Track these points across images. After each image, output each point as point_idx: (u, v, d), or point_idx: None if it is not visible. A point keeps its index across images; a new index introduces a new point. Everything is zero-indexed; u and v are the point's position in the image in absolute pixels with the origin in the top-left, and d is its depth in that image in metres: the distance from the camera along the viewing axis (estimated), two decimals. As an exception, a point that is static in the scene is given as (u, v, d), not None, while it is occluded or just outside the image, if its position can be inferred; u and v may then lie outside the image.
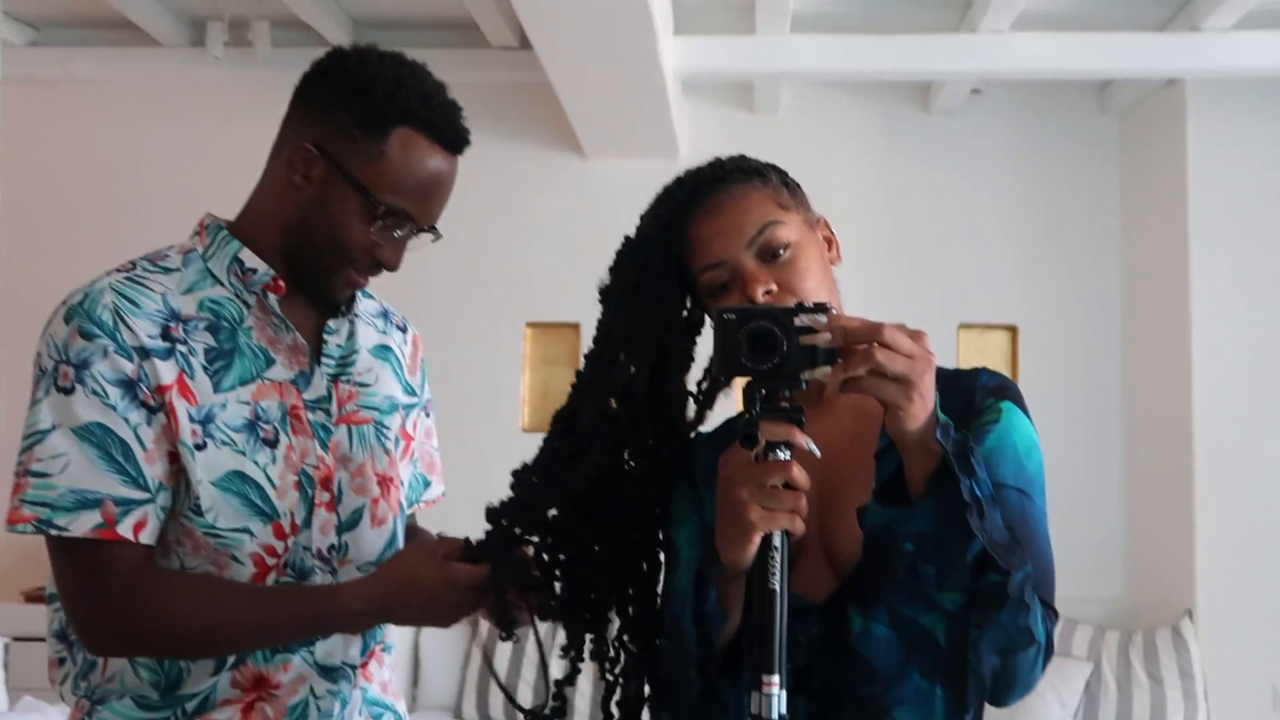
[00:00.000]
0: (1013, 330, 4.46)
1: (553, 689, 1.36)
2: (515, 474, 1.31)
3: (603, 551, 1.31)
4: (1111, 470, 4.41)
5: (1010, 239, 4.48)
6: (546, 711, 1.35)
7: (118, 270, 1.36)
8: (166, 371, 1.31)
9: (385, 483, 1.47)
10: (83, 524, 1.26)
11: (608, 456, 1.28)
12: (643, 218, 1.33)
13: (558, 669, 1.40)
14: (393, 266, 1.41)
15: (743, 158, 1.34)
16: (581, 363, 1.33)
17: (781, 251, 1.25)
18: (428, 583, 1.31)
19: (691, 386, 1.37)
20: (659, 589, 1.34)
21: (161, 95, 4.66)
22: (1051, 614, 1.18)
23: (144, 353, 1.30)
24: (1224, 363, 4.02)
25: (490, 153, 4.39)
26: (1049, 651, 1.18)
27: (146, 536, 1.29)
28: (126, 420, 1.28)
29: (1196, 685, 3.78)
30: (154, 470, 1.30)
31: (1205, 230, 4.07)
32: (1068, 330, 4.44)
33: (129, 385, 1.29)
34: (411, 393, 1.57)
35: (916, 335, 1.07)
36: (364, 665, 1.46)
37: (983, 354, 4.42)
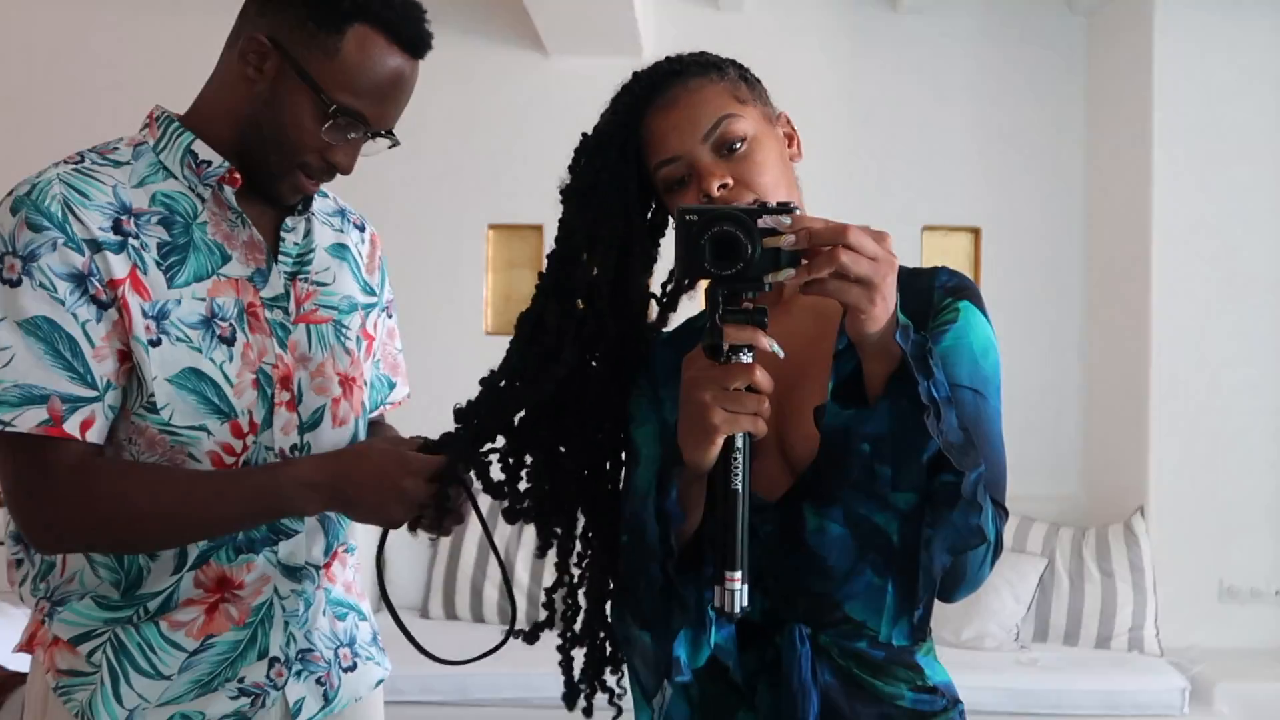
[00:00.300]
0: (976, 232, 4.47)
1: (543, 597, 1.39)
2: (485, 380, 1.31)
3: (567, 452, 1.32)
4: (1069, 371, 4.46)
5: (975, 140, 4.45)
6: (540, 621, 1.38)
7: (65, 162, 1.32)
8: (119, 266, 1.28)
9: (347, 383, 1.46)
10: (28, 420, 1.24)
11: (576, 357, 1.28)
12: (601, 115, 1.31)
13: (526, 574, 1.42)
14: (346, 170, 1.38)
15: (701, 53, 1.32)
16: (544, 264, 1.32)
17: (738, 145, 1.24)
18: (380, 460, 1.30)
19: (656, 288, 1.37)
20: (620, 487, 1.35)
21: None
22: (1002, 513, 1.20)
23: (95, 246, 1.27)
24: (1183, 264, 4.05)
25: (450, 50, 4.25)
26: (998, 550, 1.21)
27: (94, 435, 1.27)
28: (75, 316, 1.25)
29: (1146, 579, 3.88)
30: (103, 368, 1.27)
31: (1169, 131, 4.06)
32: (1030, 232, 4.45)
33: (79, 279, 1.26)
34: (370, 292, 1.55)
35: (880, 237, 1.07)
36: (327, 566, 1.47)
37: (946, 256, 4.43)
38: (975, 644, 3.77)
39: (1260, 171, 4.06)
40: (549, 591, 1.38)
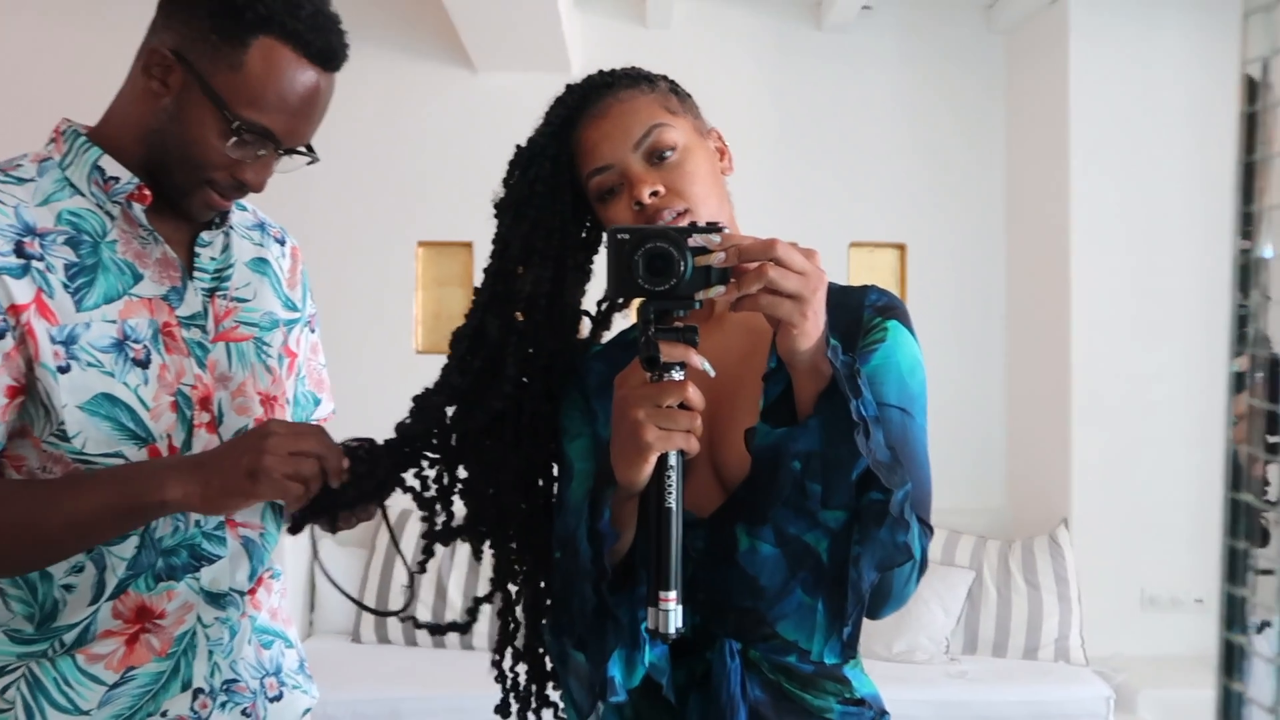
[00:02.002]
0: (901, 248, 4.53)
1: (469, 603, 1.38)
2: (421, 398, 1.30)
3: (501, 467, 1.31)
4: (994, 386, 4.53)
5: (899, 157, 4.52)
6: (460, 622, 1.38)
7: None
8: (21, 291, 1.23)
9: (269, 402, 1.43)
10: None
11: (520, 372, 1.28)
12: (535, 128, 1.32)
13: (459, 595, 1.41)
14: (256, 188, 1.34)
15: (633, 67, 1.34)
16: (480, 277, 1.32)
17: (669, 153, 1.25)
18: (250, 440, 1.23)
19: (590, 304, 1.38)
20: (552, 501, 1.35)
21: None
22: (927, 530, 1.22)
23: None
24: (1102, 279, 4.13)
25: (378, 65, 4.27)
26: (923, 567, 1.23)
27: None
28: None
29: (1071, 590, 3.94)
30: None
31: (1085, 148, 4.15)
32: (954, 248, 4.52)
33: None
34: (292, 307, 1.52)
35: (808, 253, 1.09)
36: (252, 592, 1.44)
37: (873, 272, 4.48)
38: (906, 657, 3.81)
39: (1176, 186, 4.16)
40: (479, 601, 1.37)
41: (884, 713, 1.28)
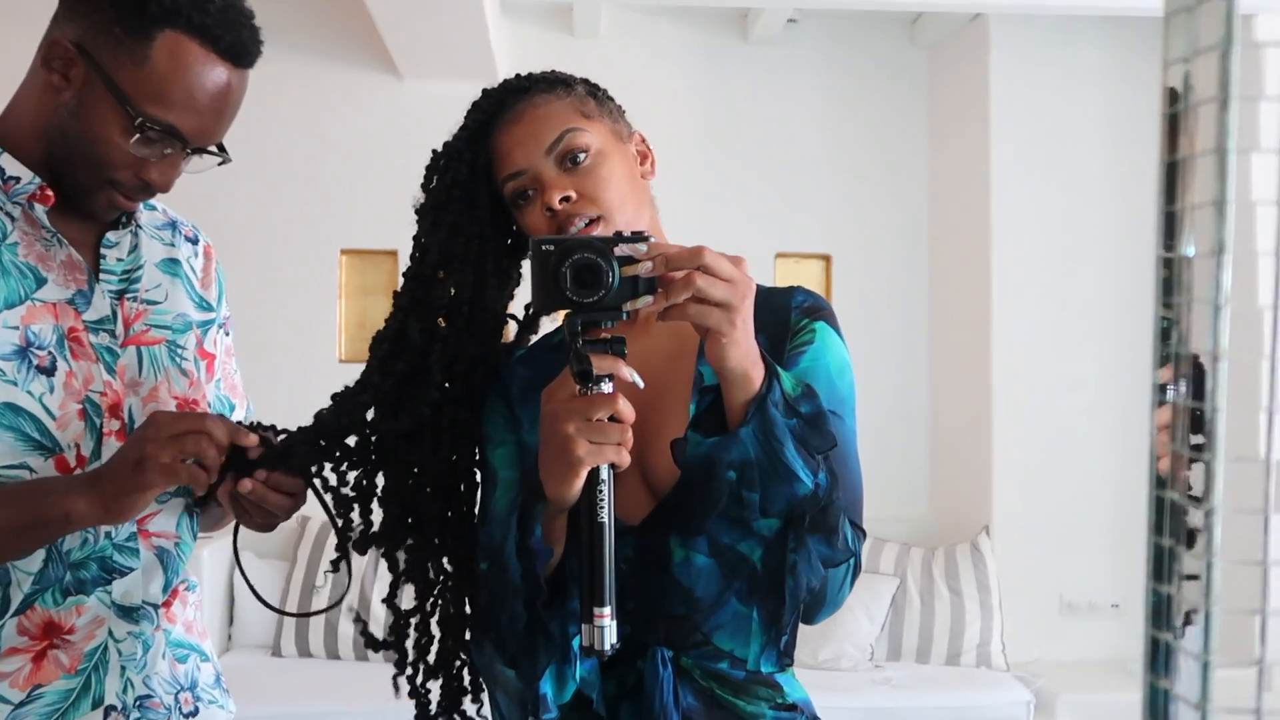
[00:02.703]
0: (827, 259, 4.57)
1: (395, 618, 1.33)
2: (341, 396, 1.27)
3: (420, 474, 1.29)
4: (917, 396, 4.59)
5: (824, 169, 4.56)
6: (389, 638, 1.33)
7: None
8: None
9: (186, 405, 1.38)
10: None
11: (443, 378, 1.25)
12: (453, 133, 1.30)
13: (381, 609, 1.36)
14: (163, 188, 1.29)
15: (551, 71, 1.33)
16: (400, 281, 1.30)
17: (581, 157, 1.24)
18: (134, 436, 1.18)
19: (518, 309, 1.36)
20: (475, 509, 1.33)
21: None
22: (860, 533, 1.22)
23: None
24: (1021, 291, 4.21)
25: (302, 70, 4.20)
26: (857, 569, 1.23)
27: None
28: None
29: (992, 597, 4.00)
30: None
31: (1006, 160, 4.22)
32: (878, 259, 4.57)
33: None
34: (207, 308, 1.47)
35: (736, 260, 1.08)
36: (166, 604, 1.39)
37: (798, 282, 4.40)
38: (832, 664, 3.83)
39: (1095, 198, 4.25)
40: (407, 615, 1.33)
41: (815, 718, 1.28)
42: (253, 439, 1.21)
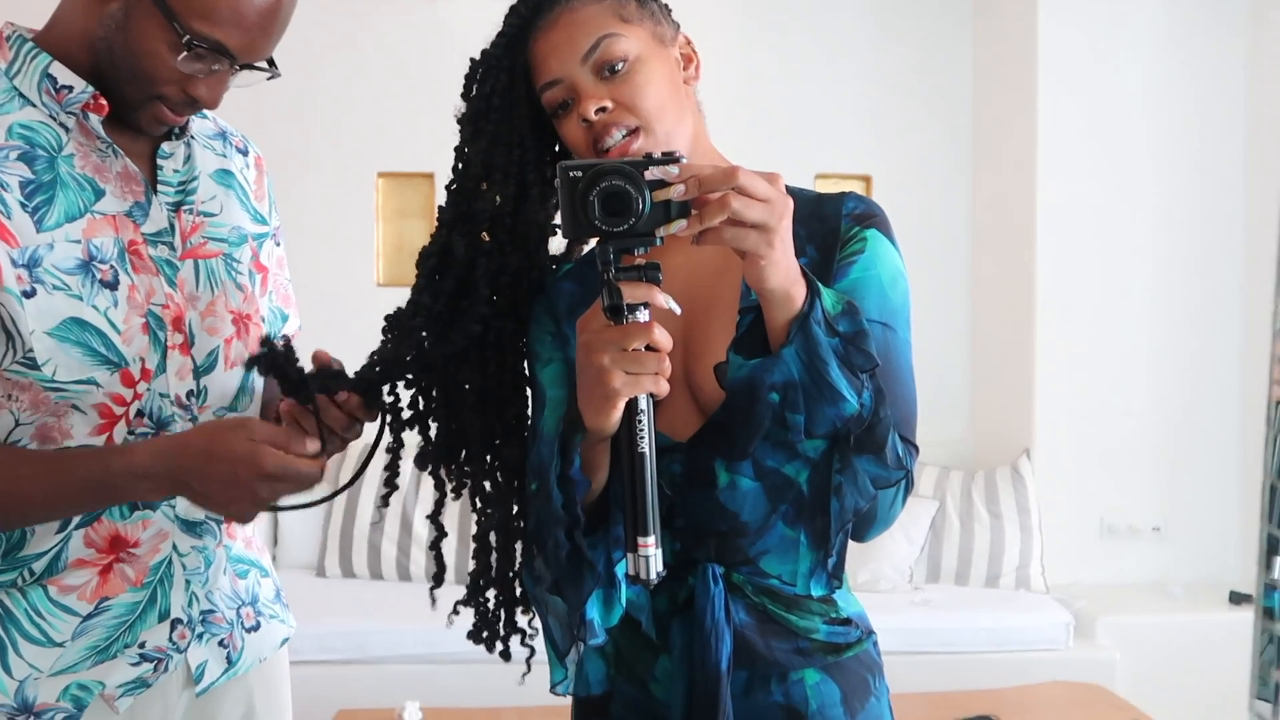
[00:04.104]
0: (867, 180, 4.51)
1: (436, 534, 1.35)
2: (392, 318, 1.25)
3: (471, 390, 1.27)
4: (958, 317, 4.55)
5: (865, 89, 4.48)
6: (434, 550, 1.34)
7: None
8: None
9: (241, 320, 1.37)
10: None
11: (491, 291, 1.23)
12: (490, 39, 1.26)
13: (424, 530, 1.37)
14: (210, 104, 1.27)
15: None
16: (443, 195, 1.28)
17: (619, 65, 1.20)
18: (231, 462, 1.17)
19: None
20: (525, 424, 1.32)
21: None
22: (912, 449, 1.19)
23: None
24: (1066, 212, 4.14)
25: (335, -7, 4.15)
26: (909, 486, 1.20)
27: None
28: None
29: (1032, 519, 3.99)
30: None
31: (1052, 83, 4.13)
32: (919, 180, 4.50)
33: None
34: (261, 220, 1.45)
35: (771, 178, 1.04)
36: (227, 520, 1.40)
37: (838, 204, 4.45)
38: (870, 586, 3.85)
39: (1141, 120, 4.16)
40: (434, 545, 1.36)
41: (870, 632, 1.27)
42: (319, 458, 1.21)
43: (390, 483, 1.32)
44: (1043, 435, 4.14)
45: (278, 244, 1.52)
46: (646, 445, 1.05)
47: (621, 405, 1.05)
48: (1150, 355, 4.17)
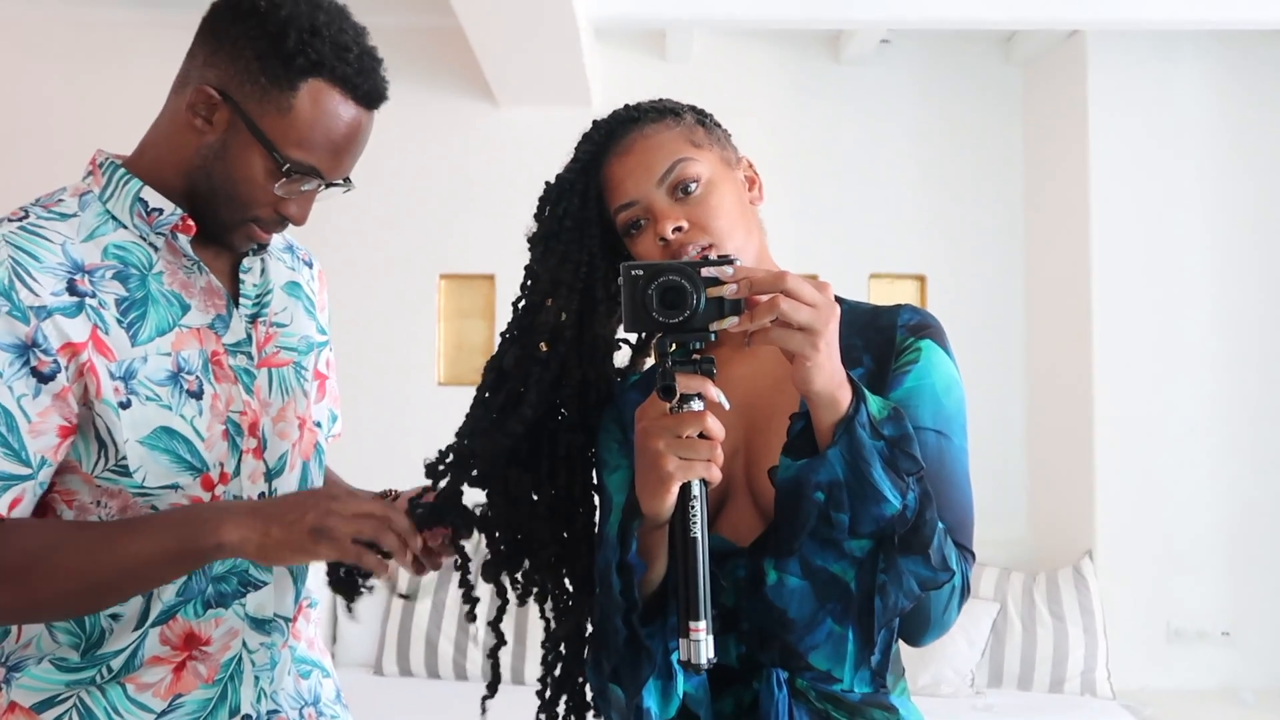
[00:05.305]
0: (921, 279, 4.53)
1: (489, 659, 1.37)
2: (457, 433, 1.30)
3: (540, 500, 1.31)
4: (1015, 416, 4.51)
5: (918, 189, 4.53)
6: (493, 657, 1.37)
7: (9, 220, 1.27)
8: (76, 329, 1.23)
9: (304, 425, 1.44)
10: None
11: (542, 400, 1.28)
12: (565, 164, 1.33)
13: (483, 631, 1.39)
14: (299, 221, 1.35)
15: (660, 100, 1.36)
16: (502, 309, 1.33)
17: (693, 187, 1.27)
18: (307, 494, 1.24)
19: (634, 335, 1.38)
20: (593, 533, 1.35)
21: (44, 31, 4.46)
22: (968, 555, 1.21)
23: (44, 312, 1.21)
24: (1123, 310, 4.12)
25: (400, 98, 4.20)
26: (965, 592, 1.22)
27: (19, 513, 1.22)
28: (11, 389, 1.19)
29: (1096, 622, 3.91)
30: (38, 444, 1.22)
31: (1105, 179, 4.15)
32: (973, 278, 4.51)
33: (21, 350, 1.20)
34: (323, 330, 1.53)
35: (820, 285, 1.10)
36: (293, 620, 1.44)
37: (893, 303, 4.47)
38: (931, 690, 3.78)
39: (1196, 216, 4.16)
40: (493, 652, 1.38)
41: None
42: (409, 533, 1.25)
43: (469, 598, 1.34)
44: (1105, 535, 4.08)
45: (330, 349, 1.59)
46: (699, 530, 1.09)
47: (675, 490, 1.09)
48: (1212, 452, 4.10)
